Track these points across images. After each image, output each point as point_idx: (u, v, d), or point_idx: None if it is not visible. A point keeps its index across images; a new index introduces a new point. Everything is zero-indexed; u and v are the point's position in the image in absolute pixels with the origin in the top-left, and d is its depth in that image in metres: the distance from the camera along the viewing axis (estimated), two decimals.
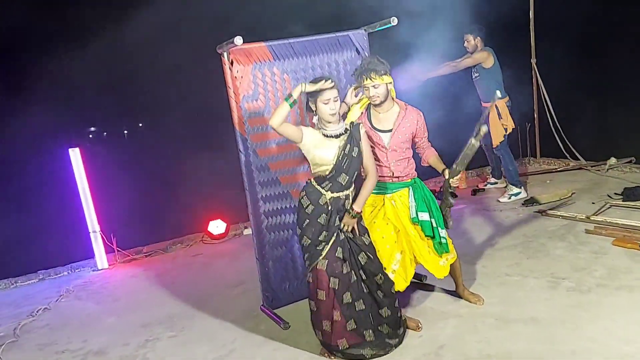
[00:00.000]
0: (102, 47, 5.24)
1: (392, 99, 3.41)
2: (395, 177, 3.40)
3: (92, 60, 5.22)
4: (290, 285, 3.97)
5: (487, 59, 5.56)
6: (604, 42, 6.35)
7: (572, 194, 5.61)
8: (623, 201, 5.15)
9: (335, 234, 3.10)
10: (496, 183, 6.41)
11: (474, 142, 3.21)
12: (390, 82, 3.32)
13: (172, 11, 5.33)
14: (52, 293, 4.93)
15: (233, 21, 5.16)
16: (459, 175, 3.36)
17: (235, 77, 3.65)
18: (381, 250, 3.30)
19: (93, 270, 5.42)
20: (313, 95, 3.08)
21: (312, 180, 3.19)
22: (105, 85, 5.41)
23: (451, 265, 3.49)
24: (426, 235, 3.35)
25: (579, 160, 6.81)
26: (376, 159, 3.35)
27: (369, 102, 3.40)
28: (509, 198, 5.79)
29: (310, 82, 3.03)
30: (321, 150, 3.11)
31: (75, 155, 5.27)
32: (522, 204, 5.57)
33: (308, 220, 3.10)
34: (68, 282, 5.19)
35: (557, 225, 4.84)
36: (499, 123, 5.62)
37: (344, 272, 3.08)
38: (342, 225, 3.11)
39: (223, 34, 3.60)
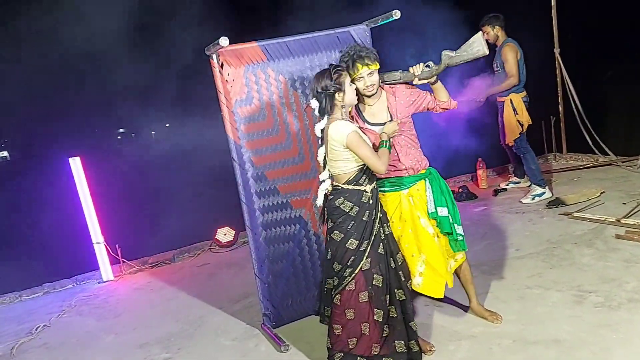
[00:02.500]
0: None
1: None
2: (410, 168, 3.11)
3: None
4: (293, 301, 3.72)
5: (516, 55, 5.18)
6: (634, 28, 5.90)
7: (601, 193, 5.21)
8: None
9: (376, 228, 2.92)
10: (519, 182, 6.02)
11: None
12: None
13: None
14: (54, 308, 4.79)
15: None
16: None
17: (227, 81, 3.41)
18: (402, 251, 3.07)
19: (99, 283, 5.27)
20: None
21: (342, 185, 2.92)
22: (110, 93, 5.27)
23: (461, 273, 3.22)
24: (443, 232, 3.08)
25: (609, 155, 6.38)
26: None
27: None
28: (533, 199, 5.41)
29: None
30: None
31: (75, 164, 5.11)
32: (547, 205, 5.18)
33: (354, 222, 2.88)
34: (73, 295, 5.05)
35: (584, 230, 4.46)
36: (514, 119, 5.25)
37: (385, 271, 2.91)
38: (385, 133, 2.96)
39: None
